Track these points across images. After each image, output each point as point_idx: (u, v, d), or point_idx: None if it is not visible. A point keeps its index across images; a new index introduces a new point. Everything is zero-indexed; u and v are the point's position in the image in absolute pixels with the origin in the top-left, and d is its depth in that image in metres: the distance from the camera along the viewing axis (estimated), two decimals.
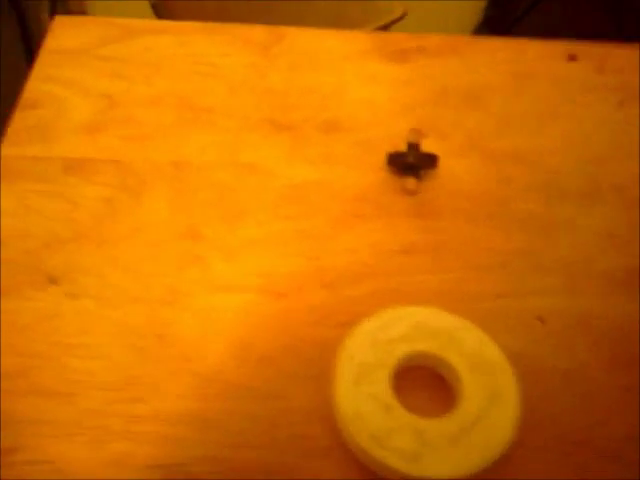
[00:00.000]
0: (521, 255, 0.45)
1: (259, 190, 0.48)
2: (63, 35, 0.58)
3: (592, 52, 0.62)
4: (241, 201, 0.47)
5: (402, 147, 0.51)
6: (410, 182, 0.48)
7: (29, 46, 1.01)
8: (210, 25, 0.61)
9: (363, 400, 0.35)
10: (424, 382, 0.39)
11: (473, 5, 1.52)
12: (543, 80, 0.58)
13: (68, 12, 1.24)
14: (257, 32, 0.61)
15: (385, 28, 1.15)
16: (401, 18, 1.16)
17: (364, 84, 0.57)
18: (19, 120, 0.51)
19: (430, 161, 0.49)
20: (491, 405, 0.36)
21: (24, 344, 0.39)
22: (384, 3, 1.20)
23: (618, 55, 0.61)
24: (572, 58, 0.61)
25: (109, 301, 0.41)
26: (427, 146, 0.51)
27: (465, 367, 0.37)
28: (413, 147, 0.49)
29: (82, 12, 1.27)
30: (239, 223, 0.45)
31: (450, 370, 0.37)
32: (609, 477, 0.36)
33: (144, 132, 0.51)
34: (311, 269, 0.43)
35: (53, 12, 1.15)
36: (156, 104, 0.53)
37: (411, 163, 0.48)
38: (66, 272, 0.42)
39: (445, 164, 0.50)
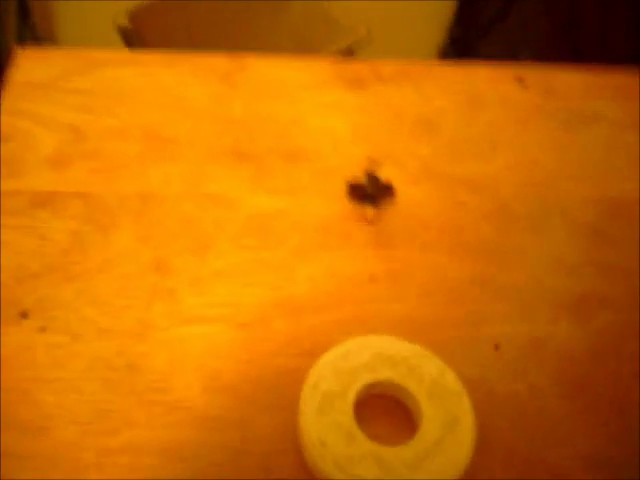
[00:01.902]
0: (475, 282, 0.48)
1: (223, 220, 0.49)
2: (28, 67, 0.59)
3: (540, 75, 0.65)
4: (206, 232, 0.49)
5: (361, 175, 0.53)
6: (369, 212, 0.50)
7: None
8: (173, 56, 0.62)
9: (327, 429, 0.37)
10: (385, 409, 0.40)
11: (438, 25, 1.56)
12: (494, 104, 0.61)
13: (36, 37, 1.24)
14: (219, 61, 0.62)
15: (349, 49, 1.18)
16: (364, 39, 1.18)
17: (323, 112, 0.59)
18: None
19: (387, 191, 0.51)
20: (448, 431, 0.37)
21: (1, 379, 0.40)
22: (347, 24, 1.23)
23: (565, 78, 0.65)
24: (521, 80, 0.64)
25: (80, 334, 0.42)
26: (384, 173, 0.54)
27: (424, 395, 0.39)
28: (371, 177, 0.51)
29: (50, 38, 1.27)
30: (204, 254, 0.47)
31: (410, 398, 0.39)
32: None
33: (110, 164, 0.52)
34: (274, 299, 0.45)
35: (21, 37, 1.15)
36: (121, 136, 0.55)
37: (369, 193, 0.50)
38: (37, 306, 0.43)
39: (402, 192, 0.53)
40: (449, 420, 0.38)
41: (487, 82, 0.63)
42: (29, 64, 0.60)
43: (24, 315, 0.43)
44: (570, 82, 0.64)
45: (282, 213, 0.50)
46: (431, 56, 1.62)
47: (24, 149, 0.53)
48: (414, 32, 1.56)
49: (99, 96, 0.58)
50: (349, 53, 1.17)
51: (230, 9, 1.30)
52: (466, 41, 1.48)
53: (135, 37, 1.14)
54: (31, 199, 0.49)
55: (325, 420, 0.37)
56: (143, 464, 0.37)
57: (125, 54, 0.65)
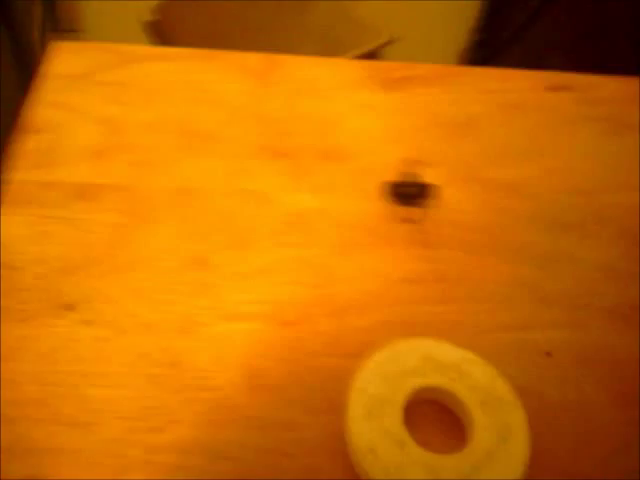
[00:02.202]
0: (523, 287, 0.47)
1: (261, 217, 0.49)
2: (63, 60, 0.59)
3: (576, 82, 0.64)
4: (244, 228, 0.48)
5: (398, 175, 0.52)
6: (415, 212, 0.49)
7: (20, 61, 1.01)
8: (206, 52, 0.62)
9: (376, 435, 0.36)
10: (435, 416, 0.39)
11: (461, 29, 1.55)
12: (529, 110, 0.61)
13: (61, 30, 1.24)
14: (253, 60, 0.62)
15: (373, 52, 1.17)
16: (390, 42, 1.18)
17: (358, 112, 0.58)
18: (21, 145, 0.52)
19: (430, 191, 0.50)
20: (502, 441, 0.36)
21: (44, 372, 0.40)
22: (372, 27, 1.22)
23: (601, 85, 0.64)
24: (556, 88, 0.64)
25: (123, 328, 0.42)
26: (422, 174, 0.53)
27: (475, 402, 0.38)
28: (413, 177, 0.51)
29: (75, 30, 1.27)
30: (244, 251, 0.47)
31: (460, 405, 0.38)
32: None
33: (147, 158, 0.52)
34: (316, 297, 0.45)
35: (45, 30, 1.16)
36: (157, 130, 0.54)
37: (412, 193, 0.50)
38: (81, 298, 0.43)
39: (442, 193, 0.52)
40: (502, 430, 0.37)
41: (521, 87, 0.63)
42: (64, 57, 0.59)
43: (69, 307, 0.42)
44: (606, 90, 0.63)
45: (320, 211, 0.50)
46: (455, 59, 1.61)
47: (61, 140, 0.52)
48: (437, 35, 1.55)
49: (134, 89, 0.57)
50: (373, 56, 1.17)
51: (255, 6, 1.30)
52: (491, 45, 1.47)
53: (159, 33, 1.14)
54: (71, 191, 0.49)
55: (374, 425, 0.36)
56: (188, 463, 0.37)
57: (157, 49, 0.64)
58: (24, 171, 0.50)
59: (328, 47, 1.24)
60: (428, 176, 0.53)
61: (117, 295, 0.43)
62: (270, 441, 0.38)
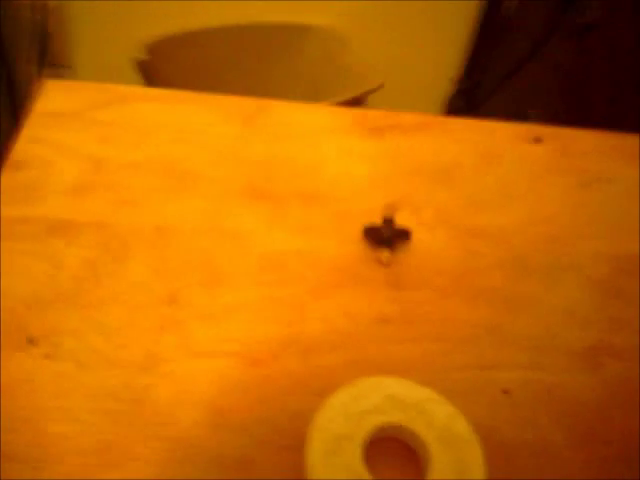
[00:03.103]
0: (487, 329, 0.47)
1: (238, 257, 0.49)
2: (52, 98, 0.60)
3: (556, 135, 0.66)
4: (220, 267, 0.48)
5: (377, 220, 0.53)
6: (384, 255, 0.50)
7: (13, 97, 1.03)
8: (196, 95, 0.64)
9: (335, 472, 0.36)
10: (395, 453, 0.40)
11: (447, 75, 1.59)
12: (509, 161, 0.62)
13: (54, 65, 1.26)
14: (243, 103, 0.64)
15: (361, 97, 1.20)
16: (376, 89, 1.21)
17: (342, 158, 0.60)
18: (6, 180, 0.52)
19: (403, 235, 0.51)
20: (458, 478, 0.37)
21: (3, 407, 0.39)
22: (363, 73, 1.25)
23: (581, 138, 0.66)
24: (538, 140, 0.65)
25: (87, 364, 0.42)
26: (400, 219, 0.54)
27: (434, 440, 0.38)
28: (388, 221, 0.52)
29: (67, 65, 1.29)
30: (218, 289, 0.47)
31: (420, 443, 0.39)
32: None
33: (129, 196, 0.53)
34: (287, 337, 0.45)
35: (39, 64, 1.18)
36: (141, 169, 0.55)
37: (385, 237, 0.50)
38: (46, 333, 0.43)
39: (416, 238, 0.53)
40: (459, 467, 0.37)
41: (503, 138, 0.64)
42: (53, 95, 0.61)
43: (31, 341, 0.42)
44: (585, 143, 0.65)
45: (297, 252, 0.50)
46: (439, 106, 1.65)
47: (43, 177, 0.53)
48: (422, 82, 1.59)
49: (121, 129, 0.58)
50: (360, 101, 1.20)
51: (246, 47, 1.33)
52: (474, 93, 1.51)
53: (150, 71, 1.16)
54: (47, 226, 0.49)
55: (333, 462, 0.36)
56: None
57: (147, 90, 0.66)
58: (4, 206, 0.50)
59: (317, 91, 1.26)
60: (404, 220, 0.54)
61: (82, 331, 0.43)
62: (231, 479, 0.38)
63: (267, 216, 0.53)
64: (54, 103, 0.60)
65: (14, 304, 0.44)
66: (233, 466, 0.38)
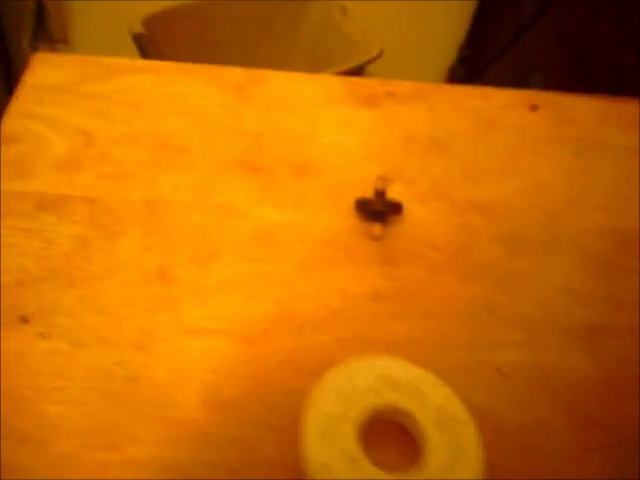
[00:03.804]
0: (483, 306, 0.47)
1: (229, 231, 0.49)
2: (43, 71, 0.60)
3: (554, 102, 0.65)
4: (211, 242, 0.48)
5: (370, 192, 0.52)
6: (376, 228, 0.50)
7: (8, 72, 1.02)
8: (188, 66, 0.63)
9: (330, 453, 0.36)
10: (389, 434, 0.39)
11: (448, 44, 1.57)
12: (506, 129, 0.61)
13: (50, 40, 1.25)
14: (234, 74, 0.63)
15: (362, 67, 1.18)
16: (378, 57, 1.19)
17: (336, 128, 0.59)
18: None
19: (395, 208, 0.51)
20: (454, 461, 0.36)
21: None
22: (362, 42, 1.23)
23: (578, 106, 0.64)
24: (534, 108, 0.64)
25: (80, 342, 0.42)
26: (393, 192, 0.53)
27: (429, 421, 0.38)
28: (380, 194, 0.51)
29: (64, 41, 1.28)
30: (209, 265, 0.47)
31: (415, 424, 0.38)
32: None
33: (119, 170, 0.52)
34: (279, 313, 0.45)
35: (35, 39, 1.16)
36: (132, 142, 0.55)
37: (377, 210, 0.50)
38: (38, 311, 0.43)
39: (410, 211, 0.52)
40: (455, 449, 0.37)
41: (500, 106, 0.63)
42: (44, 68, 0.60)
43: (24, 320, 0.42)
44: (583, 110, 0.64)
45: (289, 226, 0.50)
46: (441, 75, 1.63)
47: (34, 151, 0.53)
48: (425, 50, 1.57)
49: (112, 102, 0.58)
50: (361, 70, 1.18)
51: (245, 19, 1.31)
52: (476, 62, 1.48)
53: (149, 43, 1.15)
54: (37, 201, 0.49)
55: (328, 444, 0.36)
56: None
57: (139, 62, 0.65)
58: None
59: (318, 61, 1.24)
60: (397, 193, 0.53)
61: (75, 308, 0.43)
62: (227, 459, 0.38)
63: (258, 189, 0.52)
64: (44, 76, 0.59)
65: (5, 281, 0.44)
66: (228, 445, 0.38)
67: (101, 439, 0.38)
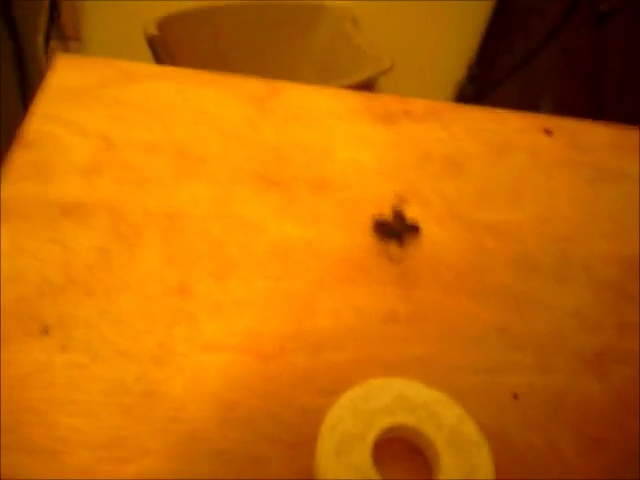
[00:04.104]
0: (496, 329, 0.47)
1: (248, 246, 0.49)
2: (66, 74, 0.60)
3: (568, 128, 0.66)
4: (230, 256, 0.48)
5: (386, 209, 0.53)
6: (393, 250, 0.50)
7: (22, 68, 1.02)
8: (209, 75, 0.63)
9: (344, 471, 0.36)
10: (404, 454, 0.40)
11: (458, 61, 1.58)
12: (520, 152, 0.62)
13: (63, 37, 1.25)
14: (254, 85, 0.63)
15: (372, 79, 1.19)
16: (388, 70, 1.20)
17: (352, 144, 0.59)
18: (17, 158, 0.52)
19: (413, 230, 0.51)
20: None
21: (15, 398, 0.39)
22: (373, 55, 1.24)
23: (592, 132, 0.65)
24: (549, 132, 0.65)
25: (99, 355, 0.42)
26: (409, 211, 0.54)
27: (443, 442, 0.38)
28: (398, 215, 0.51)
29: (76, 38, 1.28)
30: (227, 280, 0.47)
31: (428, 444, 0.39)
32: None
33: (140, 177, 0.52)
34: (295, 332, 0.45)
35: (48, 35, 1.16)
36: (152, 150, 0.55)
37: (395, 230, 0.50)
38: (57, 322, 0.43)
39: (426, 231, 0.53)
40: (468, 470, 0.37)
41: (515, 130, 0.64)
42: (66, 70, 0.60)
43: (45, 331, 0.42)
44: (598, 137, 0.65)
45: (306, 242, 0.50)
46: (449, 91, 1.64)
47: (54, 155, 0.53)
48: (434, 66, 1.58)
49: (134, 108, 0.58)
50: (372, 83, 1.19)
51: (257, 26, 1.32)
52: (485, 81, 1.49)
53: (162, 45, 1.15)
54: (58, 207, 0.49)
55: (343, 462, 0.37)
56: None
57: (160, 68, 0.65)
58: (13, 185, 0.50)
59: (328, 71, 1.25)
60: (413, 213, 0.54)
61: (94, 320, 0.43)
62: (240, 474, 0.38)
63: (277, 204, 0.53)
64: (66, 79, 0.59)
65: (26, 290, 0.44)
66: (241, 462, 0.39)
67: (114, 452, 0.38)
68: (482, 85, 1.50)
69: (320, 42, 1.32)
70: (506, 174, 0.60)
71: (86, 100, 0.58)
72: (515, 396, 0.44)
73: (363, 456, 0.37)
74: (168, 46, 1.14)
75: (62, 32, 1.25)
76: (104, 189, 0.51)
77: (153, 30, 1.11)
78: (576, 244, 0.54)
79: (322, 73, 1.25)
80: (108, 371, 0.41)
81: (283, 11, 1.29)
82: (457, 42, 1.53)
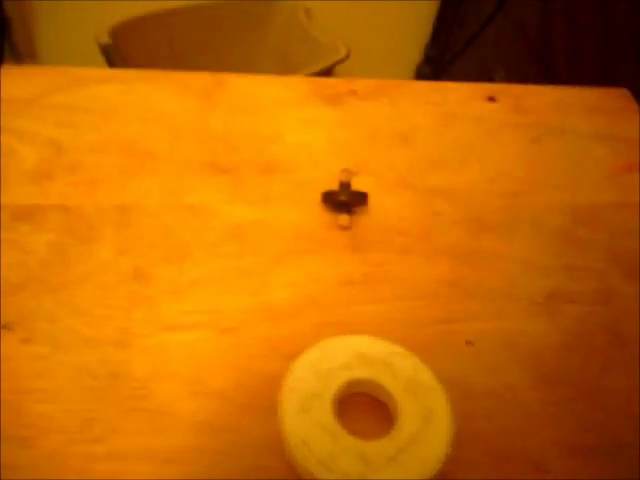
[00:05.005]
0: (449, 284, 0.49)
1: (201, 230, 0.51)
2: (10, 85, 0.60)
3: (512, 93, 0.67)
4: (184, 242, 0.50)
5: (336, 186, 0.54)
6: (343, 218, 0.52)
7: None
8: (153, 73, 0.64)
9: (309, 428, 0.38)
10: (365, 407, 0.42)
11: (414, 44, 1.60)
12: (466, 120, 0.64)
13: (17, 55, 1.25)
14: (200, 78, 0.64)
15: (329, 68, 1.20)
16: (345, 59, 1.21)
17: (301, 127, 0.61)
18: None
19: (361, 198, 0.53)
20: (426, 425, 0.39)
21: None
22: (329, 44, 1.25)
23: (535, 96, 0.67)
24: (492, 99, 0.66)
25: (62, 345, 0.43)
26: (359, 184, 0.55)
27: (400, 391, 0.40)
28: (345, 186, 0.53)
29: (31, 55, 1.28)
30: (183, 263, 0.48)
31: (387, 395, 0.41)
32: None
33: (90, 177, 0.53)
34: (255, 304, 0.46)
35: (1, 55, 1.16)
36: (102, 150, 0.56)
37: (343, 201, 0.52)
38: (19, 318, 0.44)
39: (376, 200, 0.54)
40: (426, 414, 0.39)
41: (460, 99, 0.65)
42: (10, 81, 0.61)
43: (7, 327, 0.43)
44: (542, 99, 0.67)
45: (259, 222, 0.52)
46: (408, 75, 1.65)
47: (5, 164, 0.54)
48: (392, 51, 1.59)
49: (80, 112, 0.59)
50: (329, 72, 1.20)
51: (212, 25, 1.33)
52: (441, 60, 1.51)
53: (117, 53, 1.15)
54: (12, 213, 0.50)
55: (306, 419, 0.38)
56: (130, 470, 0.38)
57: (106, 71, 0.66)
58: None
59: (287, 64, 1.26)
60: (364, 185, 0.55)
61: (54, 312, 0.44)
62: (215, 443, 0.39)
63: (227, 189, 0.54)
64: (13, 89, 0.60)
65: None
66: (215, 432, 0.40)
67: (85, 434, 0.39)
68: (439, 65, 1.52)
69: (276, 36, 1.33)
70: (453, 142, 0.61)
71: (32, 108, 0.58)
72: (470, 343, 0.46)
73: (325, 411, 0.39)
74: (122, 54, 1.14)
75: (16, 50, 1.26)
76: (56, 192, 0.52)
77: (105, 39, 1.11)
78: (524, 199, 0.56)
79: (281, 65, 1.26)
80: (72, 358, 0.42)
81: (237, 8, 1.30)
82: (412, 25, 1.55)
